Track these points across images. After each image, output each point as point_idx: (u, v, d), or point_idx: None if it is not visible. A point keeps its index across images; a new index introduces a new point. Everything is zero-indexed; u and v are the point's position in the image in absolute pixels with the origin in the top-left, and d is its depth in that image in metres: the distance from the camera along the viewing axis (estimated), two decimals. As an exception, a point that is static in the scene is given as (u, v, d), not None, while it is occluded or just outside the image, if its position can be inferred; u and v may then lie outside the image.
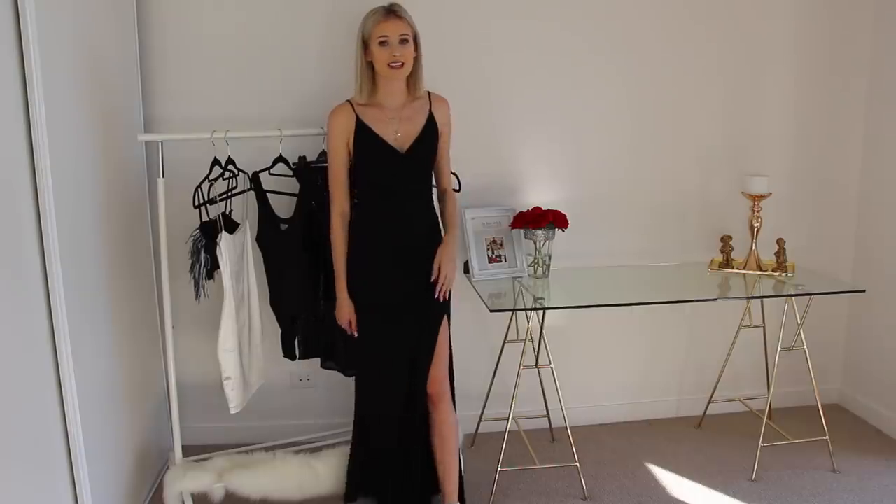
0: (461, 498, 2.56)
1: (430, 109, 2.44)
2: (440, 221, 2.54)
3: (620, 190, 3.26)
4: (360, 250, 2.43)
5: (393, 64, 2.29)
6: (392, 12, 2.31)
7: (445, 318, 2.49)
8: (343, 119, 2.38)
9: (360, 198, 2.46)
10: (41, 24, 1.96)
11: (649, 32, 3.16)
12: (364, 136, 2.37)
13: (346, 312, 2.44)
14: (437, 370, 2.46)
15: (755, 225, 3.12)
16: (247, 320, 2.65)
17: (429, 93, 2.46)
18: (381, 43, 2.28)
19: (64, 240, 2.08)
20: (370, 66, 2.35)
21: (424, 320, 2.44)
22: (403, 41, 2.29)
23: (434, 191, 2.57)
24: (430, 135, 2.43)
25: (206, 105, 2.92)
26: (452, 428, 2.50)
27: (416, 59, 2.37)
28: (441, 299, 2.40)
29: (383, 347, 2.45)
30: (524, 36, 3.08)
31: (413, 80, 2.40)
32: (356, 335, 2.45)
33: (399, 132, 2.38)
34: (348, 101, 2.41)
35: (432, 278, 2.38)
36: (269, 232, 2.65)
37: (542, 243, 3.00)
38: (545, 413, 3.21)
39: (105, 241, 2.47)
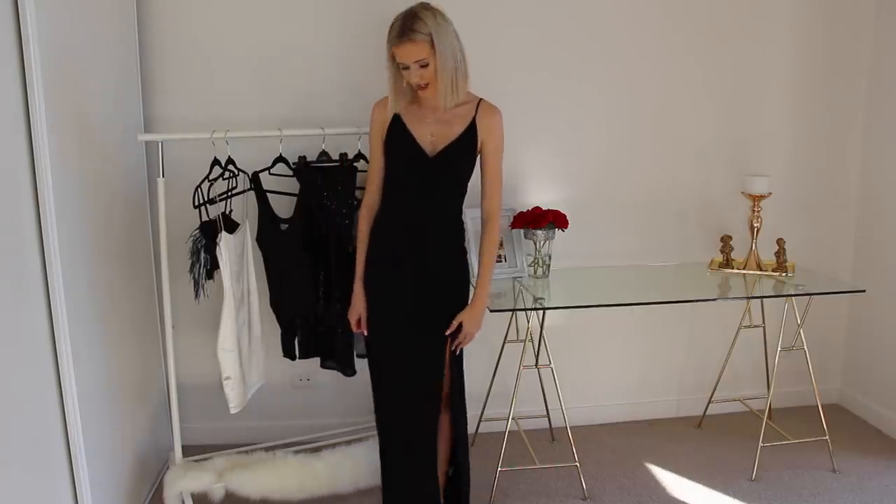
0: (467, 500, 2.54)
1: (475, 118, 2.28)
2: (465, 244, 2.43)
3: (620, 190, 3.26)
4: (373, 252, 2.38)
5: (418, 86, 2.20)
6: (405, 35, 2.11)
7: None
8: (380, 111, 2.33)
9: (384, 197, 2.38)
10: (41, 24, 1.96)
11: (650, 33, 3.16)
12: (396, 132, 2.29)
13: (355, 309, 2.39)
14: (444, 386, 2.42)
15: (755, 225, 3.12)
16: (247, 320, 2.65)
17: (480, 100, 2.32)
18: (401, 66, 2.18)
19: (64, 240, 2.08)
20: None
21: (430, 341, 2.35)
22: (422, 65, 2.14)
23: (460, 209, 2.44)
24: (465, 143, 2.28)
25: (206, 105, 2.93)
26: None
27: (441, 72, 2.15)
28: (455, 351, 2.35)
29: (382, 354, 2.40)
30: (524, 35, 3.08)
31: (444, 91, 2.19)
32: (365, 333, 2.40)
33: (433, 135, 2.27)
34: None
35: (447, 332, 2.31)
36: (270, 232, 2.65)
37: (542, 243, 3.00)
38: (545, 413, 3.21)
39: (105, 240, 2.47)
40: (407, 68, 2.17)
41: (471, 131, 2.28)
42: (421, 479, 2.42)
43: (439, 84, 2.18)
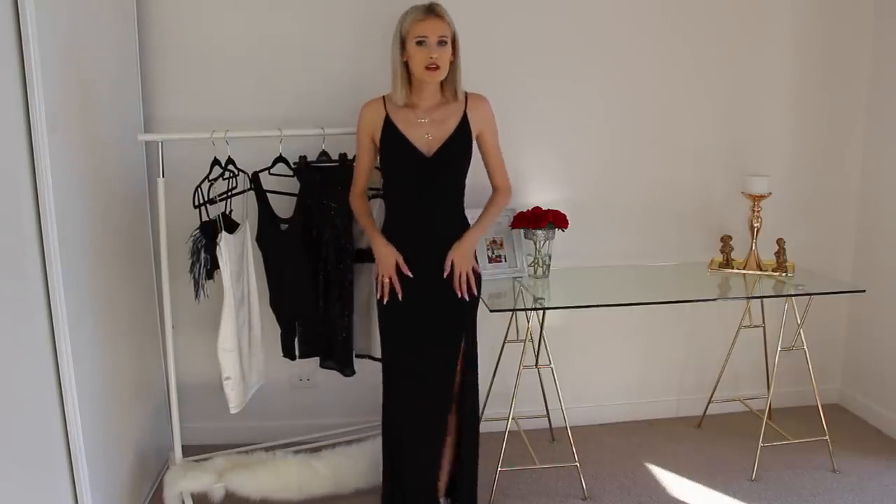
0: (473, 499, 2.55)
1: (466, 110, 2.35)
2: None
3: (620, 190, 3.26)
4: None
5: (429, 66, 2.22)
6: (432, 11, 2.24)
7: (466, 333, 2.44)
8: (371, 113, 2.36)
9: (388, 206, 2.41)
10: (41, 23, 1.96)
11: (651, 33, 3.16)
12: (391, 137, 2.32)
13: (389, 262, 2.32)
14: (455, 385, 2.42)
15: (755, 225, 3.12)
16: (247, 320, 2.65)
17: (466, 93, 2.38)
18: (419, 43, 2.22)
19: (64, 240, 2.08)
20: (405, 66, 2.28)
21: (443, 342, 2.38)
22: (441, 43, 2.23)
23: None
24: (461, 139, 2.33)
25: (206, 105, 2.93)
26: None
27: (454, 63, 2.30)
28: (463, 297, 2.34)
29: (398, 357, 2.41)
30: (525, 35, 3.08)
31: (449, 84, 2.32)
32: (397, 289, 2.33)
33: (430, 135, 2.31)
34: (383, 96, 2.37)
35: (445, 274, 2.33)
36: (269, 232, 2.65)
37: (542, 243, 3.00)
38: (545, 413, 3.21)
39: (105, 241, 2.47)
40: (423, 44, 2.21)
41: (464, 124, 2.34)
42: (425, 476, 2.43)
43: (453, 72, 2.31)
